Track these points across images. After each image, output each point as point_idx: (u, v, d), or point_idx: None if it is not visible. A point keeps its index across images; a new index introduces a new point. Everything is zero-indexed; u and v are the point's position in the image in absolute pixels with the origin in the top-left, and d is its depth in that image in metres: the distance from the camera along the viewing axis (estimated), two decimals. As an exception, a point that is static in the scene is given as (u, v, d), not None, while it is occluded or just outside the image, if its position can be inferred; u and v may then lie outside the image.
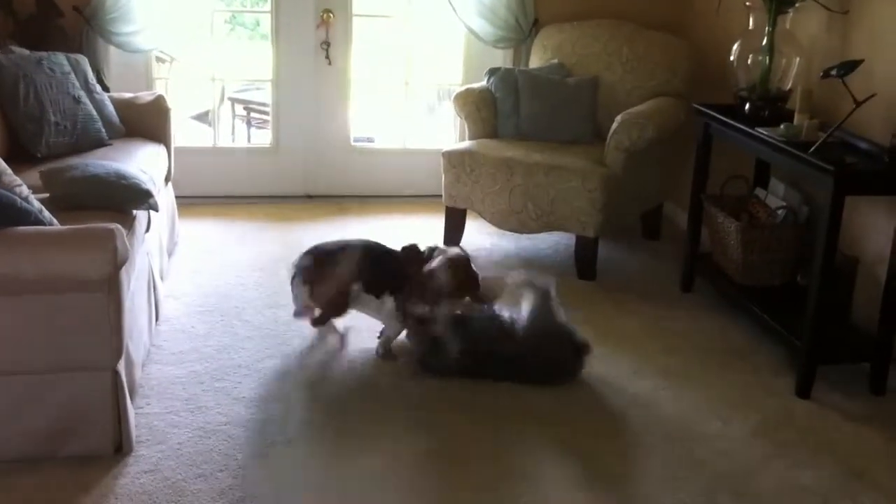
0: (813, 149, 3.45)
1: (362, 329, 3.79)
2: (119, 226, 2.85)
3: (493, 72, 5.04)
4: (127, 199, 3.44)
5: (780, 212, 4.03)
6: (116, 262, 2.77)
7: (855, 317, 3.73)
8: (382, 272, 3.63)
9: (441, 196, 4.85)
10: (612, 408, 3.38)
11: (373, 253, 3.67)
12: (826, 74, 3.54)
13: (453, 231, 4.87)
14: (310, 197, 5.59)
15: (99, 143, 4.23)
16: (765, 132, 3.74)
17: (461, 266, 3.64)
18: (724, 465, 3.06)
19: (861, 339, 3.65)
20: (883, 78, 3.58)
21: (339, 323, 3.76)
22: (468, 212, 4.84)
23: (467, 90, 5.01)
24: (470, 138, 4.94)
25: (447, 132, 5.83)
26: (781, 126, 3.70)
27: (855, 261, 3.72)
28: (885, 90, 3.51)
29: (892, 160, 3.35)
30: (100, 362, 2.86)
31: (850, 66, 3.48)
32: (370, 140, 6.35)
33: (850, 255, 3.74)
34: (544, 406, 3.35)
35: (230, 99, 7.23)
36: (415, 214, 5.33)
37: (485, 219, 4.70)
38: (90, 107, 4.25)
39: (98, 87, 4.43)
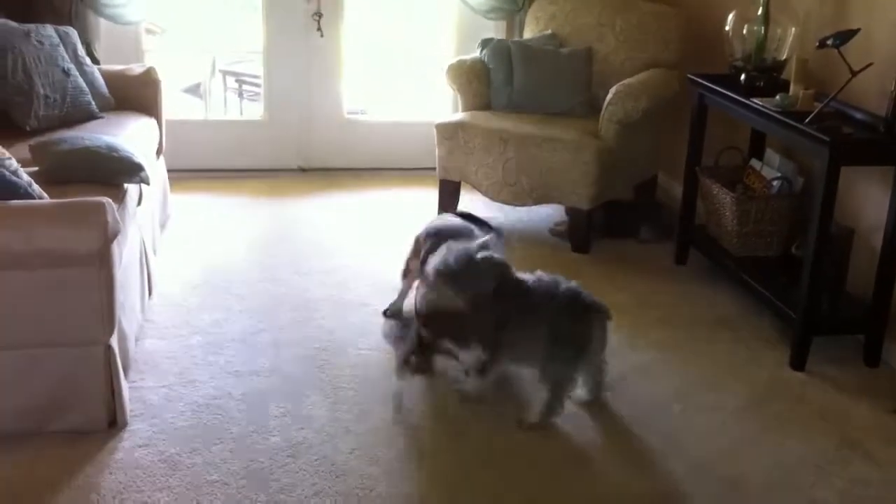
0: (808, 119, 3.42)
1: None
2: (110, 199, 2.83)
3: (485, 43, 5.00)
4: (118, 172, 3.41)
5: (775, 183, 4.02)
6: (107, 236, 2.75)
7: (850, 288, 3.73)
8: None
9: (435, 169, 4.83)
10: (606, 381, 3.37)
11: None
12: (822, 44, 3.51)
13: (447, 204, 4.84)
14: (303, 170, 5.56)
15: (89, 116, 4.19)
16: (760, 102, 3.71)
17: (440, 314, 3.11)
18: (719, 436, 3.06)
19: (856, 311, 3.64)
20: (879, 47, 3.55)
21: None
22: (462, 184, 4.81)
23: (459, 62, 4.97)
24: (463, 110, 4.91)
25: (441, 104, 5.79)
26: (777, 96, 3.68)
27: (850, 231, 3.71)
28: (881, 60, 3.49)
29: (888, 130, 3.33)
30: (92, 337, 2.85)
31: (846, 36, 3.45)
32: (362, 112, 6.31)
33: (846, 226, 3.73)
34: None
35: (221, 71, 7.17)
36: (409, 187, 5.31)
37: (479, 191, 4.68)
38: (80, 79, 4.20)
39: (87, 60, 4.38)
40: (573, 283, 3.11)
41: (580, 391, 3.18)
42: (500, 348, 3.07)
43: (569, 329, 3.02)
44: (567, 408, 3.10)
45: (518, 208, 4.87)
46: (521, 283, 3.12)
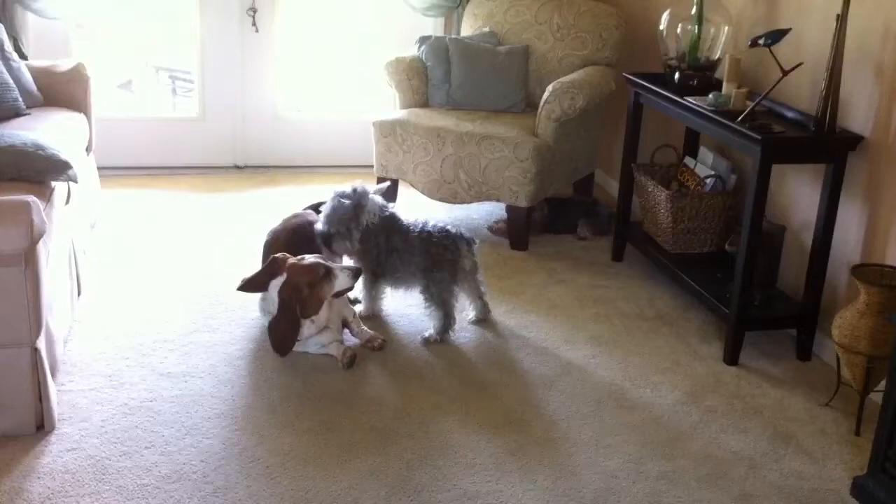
0: (740, 118, 3.47)
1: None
2: (35, 198, 2.76)
3: (423, 40, 4.99)
4: (44, 170, 3.31)
5: (708, 180, 4.06)
6: (33, 236, 2.68)
7: (781, 284, 3.79)
8: None
9: (373, 166, 4.80)
10: (544, 377, 3.38)
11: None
12: (754, 43, 3.56)
13: (385, 202, 4.80)
14: (238, 167, 5.49)
15: (15, 113, 4.07)
16: (693, 101, 3.75)
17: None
18: (655, 431, 3.09)
19: (787, 306, 3.70)
20: (809, 47, 3.61)
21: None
22: (400, 182, 4.79)
23: (398, 59, 4.94)
24: (401, 108, 4.88)
25: (380, 102, 5.75)
26: (710, 95, 3.72)
27: (782, 229, 3.77)
28: (811, 59, 3.55)
29: (819, 129, 3.39)
30: (18, 339, 2.77)
31: (777, 35, 3.50)
32: (299, 110, 6.25)
33: (777, 223, 3.79)
34: (477, 373, 3.35)
35: (154, 67, 7.04)
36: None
37: (417, 189, 4.66)
38: (6, 75, 4.08)
39: (15, 55, 4.26)
40: (440, 222, 3.65)
41: (470, 314, 3.75)
42: (385, 273, 3.65)
43: (441, 256, 3.55)
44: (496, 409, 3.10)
45: (457, 206, 4.86)
46: (403, 225, 3.64)
